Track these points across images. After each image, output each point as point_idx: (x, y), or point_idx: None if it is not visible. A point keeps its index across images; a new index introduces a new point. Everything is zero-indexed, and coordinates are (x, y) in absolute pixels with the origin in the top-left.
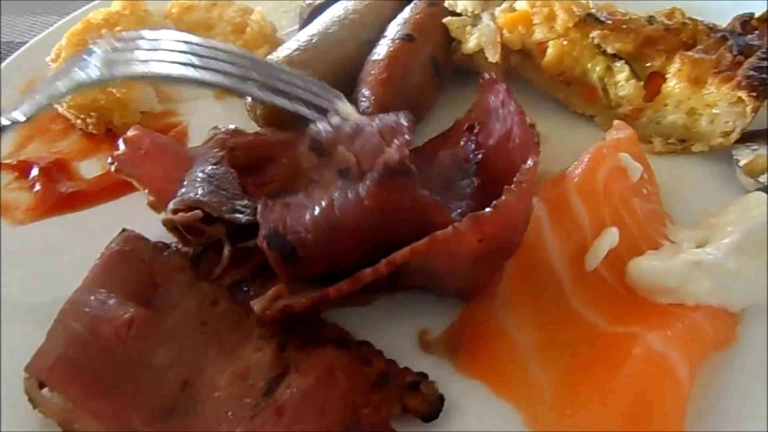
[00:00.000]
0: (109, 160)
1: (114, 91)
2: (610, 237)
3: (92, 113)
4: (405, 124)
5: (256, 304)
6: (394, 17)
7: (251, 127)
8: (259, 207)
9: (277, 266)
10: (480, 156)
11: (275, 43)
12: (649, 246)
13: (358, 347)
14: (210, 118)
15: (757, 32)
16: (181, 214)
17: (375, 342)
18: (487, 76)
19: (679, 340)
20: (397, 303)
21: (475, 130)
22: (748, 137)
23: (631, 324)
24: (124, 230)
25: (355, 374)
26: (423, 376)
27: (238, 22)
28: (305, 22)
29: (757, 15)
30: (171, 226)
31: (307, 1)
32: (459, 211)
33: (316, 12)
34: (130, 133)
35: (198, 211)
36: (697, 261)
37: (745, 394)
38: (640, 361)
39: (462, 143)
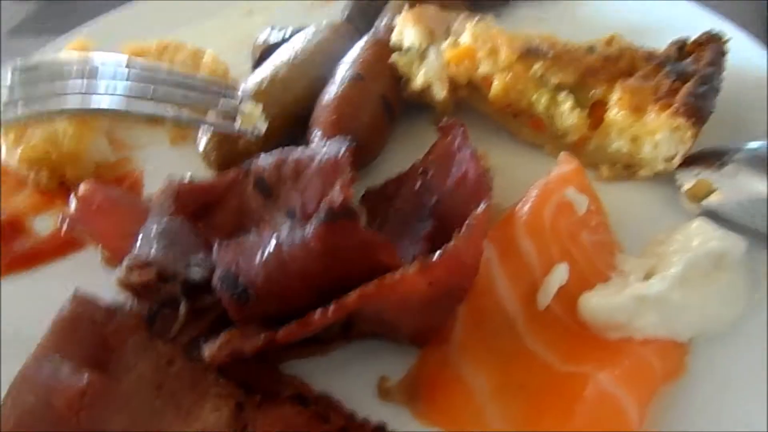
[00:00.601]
0: (60, 219)
1: (65, 144)
2: (560, 274)
3: (44, 168)
4: (344, 158)
5: (207, 349)
6: (342, 56)
7: (208, 173)
8: (215, 248)
9: (230, 308)
10: (435, 199)
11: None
12: (599, 279)
13: (316, 402)
14: (166, 165)
15: (692, 56)
16: (136, 272)
17: (334, 391)
18: (444, 120)
19: (627, 379)
20: (356, 351)
21: (430, 174)
22: (691, 161)
23: (583, 362)
24: (76, 292)
25: None
26: (381, 428)
27: (190, 65)
28: (258, 62)
29: (691, 39)
30: (126, 285)
31: (260, 41)
32: (414, 254)
33: (268, 51)
34: (81, 188)
35: (153, 269)
36: (643, 295)
37: (697, 425)
38: (592, 403)
39: (417, 187)
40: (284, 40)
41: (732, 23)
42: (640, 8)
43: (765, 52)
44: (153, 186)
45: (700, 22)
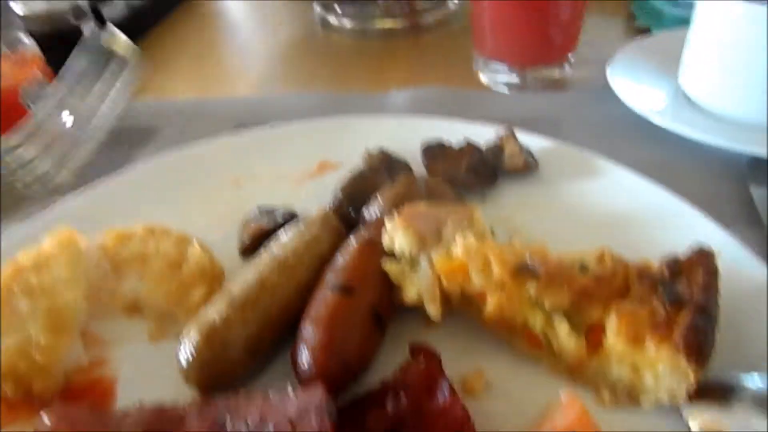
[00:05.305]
0: None
1: (37, 355)
2: None
3: (9, 380)
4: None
5: None
6: (331, 255)
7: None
8: None
9: None
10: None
11: (217, 280)
12: None
13: None
14: (142, 370)
15: (685, 277)
16: None
17: None
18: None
19: None
20: None
21: (401, 395)
22: (701, 391)
23: None
24: None
25: None
26: None
27: (175, 253)
28: (247, 249)
29: (682, 257)
30: None
31: (247, 224)
32: None
33: (258, 239)
34: (45, 418)
35: None
36: None
37: None
38: None
39: (388, 405)
40: (275, 227)
41: (724, 228)
42: (621, 195)
43: (764, 267)
44: (127, 393)
45: (686, 221)
